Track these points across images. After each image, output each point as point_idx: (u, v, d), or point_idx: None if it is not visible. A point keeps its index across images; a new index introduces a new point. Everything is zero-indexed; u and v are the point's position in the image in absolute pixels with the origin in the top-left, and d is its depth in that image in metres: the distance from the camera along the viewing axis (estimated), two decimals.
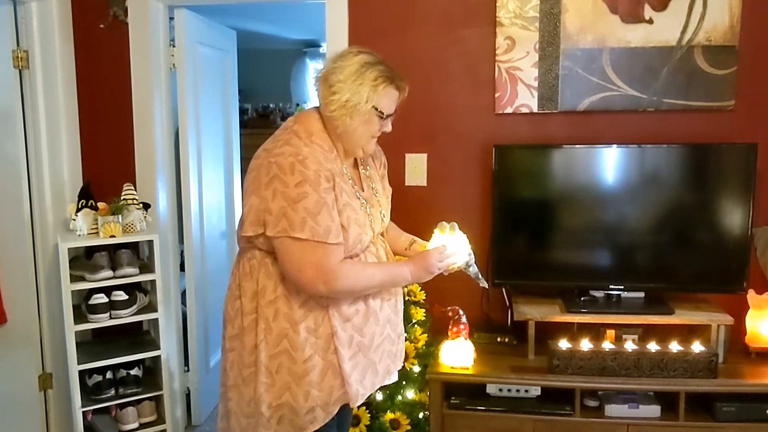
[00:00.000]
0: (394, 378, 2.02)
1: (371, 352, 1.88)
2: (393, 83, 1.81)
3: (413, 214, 2.56)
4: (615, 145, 2.63)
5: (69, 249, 2.73)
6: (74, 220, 2.83)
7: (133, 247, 2.94)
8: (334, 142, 1.85)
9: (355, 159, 1.94)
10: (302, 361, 1.81)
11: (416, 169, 2.90)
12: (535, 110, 2.80)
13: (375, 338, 1.87)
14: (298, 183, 1.71)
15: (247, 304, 1.86)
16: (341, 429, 2.08)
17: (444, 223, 2.01)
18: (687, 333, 2.66)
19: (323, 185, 1.73)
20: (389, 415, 2.60)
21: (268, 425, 1.85)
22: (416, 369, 2.64)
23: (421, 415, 2.65)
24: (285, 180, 1.71)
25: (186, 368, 3.41)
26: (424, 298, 2.68)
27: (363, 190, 1.90)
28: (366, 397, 1.90)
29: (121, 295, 2.81)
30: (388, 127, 1.86)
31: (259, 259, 1.84)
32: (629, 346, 2.52)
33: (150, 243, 2.88)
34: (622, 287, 2.71)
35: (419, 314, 2.65)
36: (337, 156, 1.84)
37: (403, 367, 2.50)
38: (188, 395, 3.40)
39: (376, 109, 1.80)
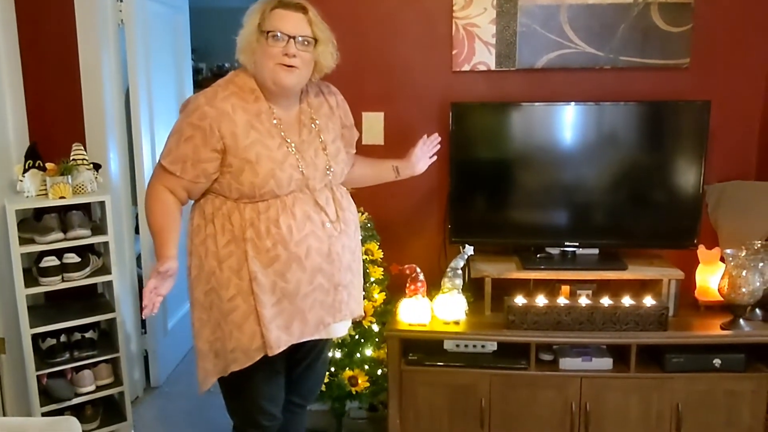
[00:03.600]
0: (339, 332, 2.03)
1: (298, 300, 1.89)
2: (279, 4, 1.84)
3: None
4: (573, 103, 2.65)
5: (17, 211, 2.66)
6: (21, 181, 2.75)
7: (85, 208, 2.89)
8: (259, 85, 1.88)
9: (300, 108, 1.95)
10: (227, 299, 1.86)
11: (373, 127, 2.89)
12: (493, 68, 2.79)
13: (302, 286, 1.88)
14: (181, 119, 1.86)
15: (189, 244, 1.94)
16: (308, 366, 2.12)
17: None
18: (639, 288, 2.71)
19: (192, 118, 1.82)
20: (348, 373, 2.62)
21: (207, 359, 1.93)
22: (375, 327, 2.65)
23: (379, 372, 2.68)
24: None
25: (143, 331, 3.39)
26: (382, 256, 2.69)
27: (299, 135, 1.90)
28: (292, 343, 1.90)
29: (73, 258, 2.77)
30: (292, 49, 1.83)
31: (199, 202, 1.94)
32: (583, 301, 2.57)
33: (102, 204, 2.83)
34: (577, 244, 2.76)
35: (377, 273, 2.66)
36: (260, 98, 1.88)
37: (361, 324, 2.58)
38: (146, 357, 3.40)
39: (265, 32, 1.82)
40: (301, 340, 1.94)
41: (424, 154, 2.25)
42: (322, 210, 1.91)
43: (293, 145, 1.89)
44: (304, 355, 2.12)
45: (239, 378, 1.93)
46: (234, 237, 1.85)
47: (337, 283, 1.95)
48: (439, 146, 2.29)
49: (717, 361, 2.50)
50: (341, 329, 2.06)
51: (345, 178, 2.08)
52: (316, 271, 1.89)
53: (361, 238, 2.55)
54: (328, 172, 1.94)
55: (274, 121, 1.88)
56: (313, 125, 1.95)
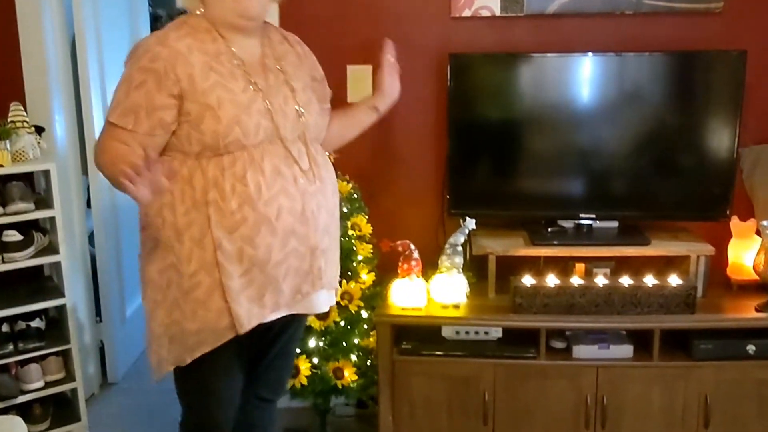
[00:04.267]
0: (319, 306, 2.06)
1: (270, 268, 1.91)
2: None
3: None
4: (590, 54, 2.69)
5: None
6: None
7: (26, 178, 2.90)
8: (217, 27, 1.92)
9: (263, 52, 1.99)
10: (188, 275, 1.89)
11: (359, 83, 2.90)
12: (498, 13, 2.82)
13: (273, 252, 1.90)
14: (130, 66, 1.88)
15: (141, 216, 1.96)
16: (280, 352, 2.16)
17: None
18: (664, 265, 2.74)
19: (143, 62, 1.84)
20: (332, 364, 2.67)
21: (161, 343, 1.96)
22: (363, 312, 2.70)
23: (368, 362, 2.73)
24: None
25: (98, 318, 3.44)
26: (371, 232, 2.73)
27: (265, 80, 1.94)
28: (268, 319, 1.94)
29: (14, 236, 2.80)
30: None
31: None
32: (600, 280, 2.62)
33: (46, 173, 2.85)
34: (594, 216, 2.80)
35: (365, 250, 2.70)
36: (218, 38, 1.91)
37: (347, 309, 2.63)
38: (102, 349, 3.45)
39: None
40: (278, 315, 1.96)
41: (394, 75, 2.24)
42: (295, 162, 1.93)
43: (258, 87, 1.92)
44: (275, 338, 2.15)
45: (195, 366, 1.96)
46: (195, 203, 1.87)
47: (313, 247, 1.96)
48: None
49: (751, 348, 2.55)
50: (322, 303, 2.08)
51: (325, 139, 2.12)
52: (288, 233, 1.91)
53: (347, 210, 2.69)
54: (300, 120, 1.97)
55: (236, 62, 1.91)
56: (279, 69, 1.99)
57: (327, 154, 2.14)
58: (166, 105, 1.84)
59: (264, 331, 2.02)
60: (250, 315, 1.91)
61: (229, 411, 2.09)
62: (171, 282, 1.92)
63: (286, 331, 2.15)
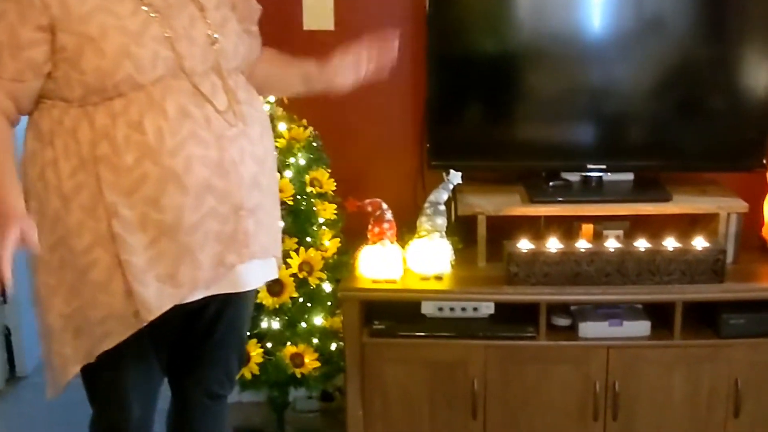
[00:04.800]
0: (252, 280, 1.99)
1: (182, 235, 1.82)
2: None
3: None
4: None
5: None
6: None
7: None
8: None
9: None
10: (81, 251, 1.79)
11: (317, 5, 2.85)
12: None
13: (185, 214, 1.81)
14: None
15: (22, 179, 1.84)
16: (222, 339, 2.10)
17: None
18: (687, 226, 2.72)
19: None
20: (290, 349, 2.61)
21: (63, 340, 1.86)
22: (326, 286, 2.65)
23: (333, 347, 2.69)
24: None
25: (2, 299, 3.37)
26: (334, 188, 2.67)
27: None
28: (186, 300, 1.88)
29: None
30: None
31: (33, 116, 1.84)
32: (611, 244, 2.58)
33: None
34: (605, 167, 2.78)
35: (327, 211, 2.65)
36: None
37: (306, 282, 2.57)
38: (8, 337, 3.39)
39: None
40: (198, 295, 1.89)
41: (358, 64, 2.10)
42: (206, 101, 1.84)
43: (154, 8, 1.79)
44: (212, 323, 2.07)
45: (101, 361, 1.88)
46: (82, 161, 1.77)
47: (237, 206, 1.88)
48: (391, 57, 2.13)
49: None
50: (254, 276, 2.01)
51: (250, 73, 2.03)
52: (203, 190, 1.81)
53: (304, 163, 2.63)
54: (213, 47, 1.86)
55: None
56: None
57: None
58: (34, 41, 1.73)
59: (192, 314, 1.97)
60: (161, 297, 1.83)
61: (145, 410, 2.04)
62: (64, 261, 1.82)
63: (223, 315, 2.07)
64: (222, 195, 1.83)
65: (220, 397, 2.22)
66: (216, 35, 1.86)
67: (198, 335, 2.07)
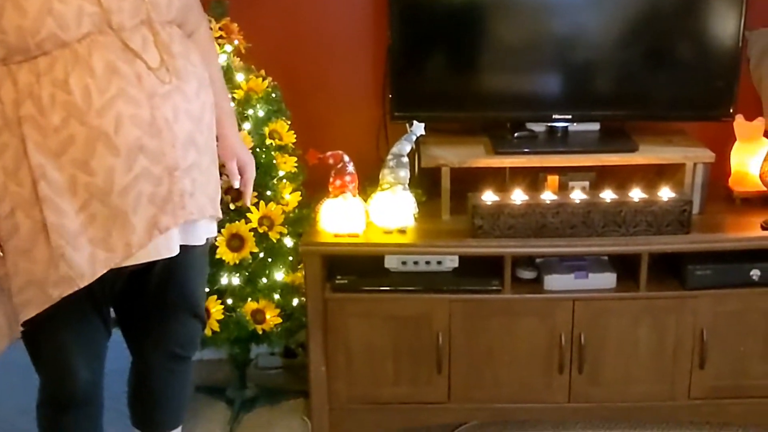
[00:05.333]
0: (197, 238, 1.94)
1: (114, 197, 1.77)
2: None
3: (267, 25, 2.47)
4: None
5: None
6: None
7: None
8: None
9: None
10: (3, 217, 1.73)
11: None
12: None
13: (116, 176, 1.75)
14: None
15: None
16: (175, 303, 2.07)
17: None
18: (654, 176, 2.72)
19: None
20: (251, 306, 2.57)
21: None
22: (287, 241, 2.60)
23: (295, 302, 2.66)
24: None
25: None
26: (294, 141, 2.61)
27: None
28: (121, 264, 1.83)
29: None
30: None
31: None
32: (577, 196, 2.55)
33: None
34: (570, 117, 2.75)
35: (287, 164, 2.60)
36: None
37: (267, 237, 2.52)
38: None
39: None
40: (131, 259, 1.82)
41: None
42: (137, 57, 1.77)
43: None
44: (160, 284, 2.03)
45: (39, 328, 1.84)
46: (5, 121, 1.70)
47: (172, 166, 1.82)
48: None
49: (755, 273, 2.53)
50: (193, 237, 1.96)
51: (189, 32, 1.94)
52: (134, 150, 1.75)
53: (263, 115, 2.57)
54: (144, 0, 1.78)
55: None
56: None
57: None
58: None
59: (137, 275, 1.92)
60: (95, 261, 1.77)
61: (92, 372, 2.00)
62: None
63: (172, 276, 2.03)
64: (155, 155, 1.77)
65: (183, 359, 2.19)
66: None
67: (149, 296, 2.03)
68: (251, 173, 2.14)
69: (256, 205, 2.49)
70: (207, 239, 2.03)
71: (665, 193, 2.55)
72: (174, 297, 2.07)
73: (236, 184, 2.12)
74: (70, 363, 1.94)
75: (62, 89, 1.67)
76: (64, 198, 1.71)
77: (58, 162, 1.69)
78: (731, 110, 2.71)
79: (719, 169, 2.74)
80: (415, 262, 2.57)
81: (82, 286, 1.76)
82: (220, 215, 2.03)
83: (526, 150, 2.67)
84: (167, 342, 2.13)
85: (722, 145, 2.75)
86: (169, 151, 1.80)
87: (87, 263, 1.75)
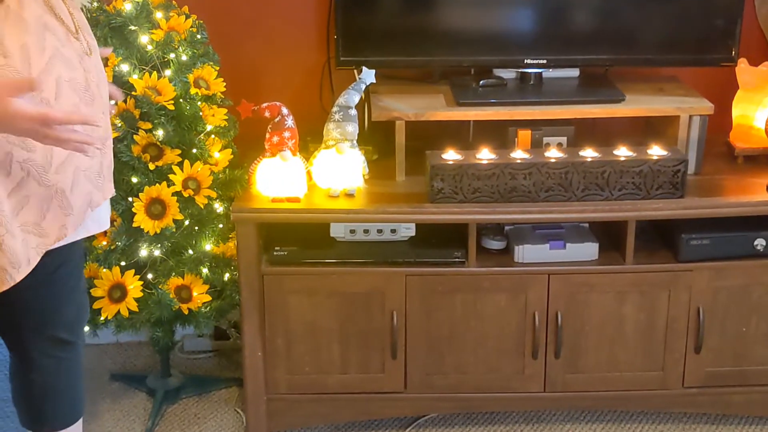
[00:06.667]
0: (106, 219, 1.86)
1: (51, 174, 1.70)
2: None
3: None
4: None
5: None
6: None
7: None
8: None
9: None
10: None
11: None
12: None
13: (54, 150, 1.68)
14: None
15: None
16: (62, 279, 1.94)
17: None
18: (642, 131, 2.65)
19: None
20: (175, 281, 2.42)
21: None
22: (217, 207, 2.44)
23: (226, 277, 2.57)
24: None
25: None
26: (224, 90, 2.43)
27: None
28: (49, 247, 1.75)
29: None
30: None
31: None
32: (553, 154, 2.43)
33: None
34: (545, 62, 2.62)
35: (217, 117, 2.45)
36: None
37: (193, 202, 2.39)
38: None
39: None
40: (61, 243, 1.77)
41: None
42: (56, 17, 1.69)
43: None
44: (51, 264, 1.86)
45: None
46: None
47: (102, 137, 1.78)
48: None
49: (760, 243, 2.42)
50: (105, 214, 1.91)
51: None
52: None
53: (186, 59, 2.36)
54: None
55: None
56: None
57: None
58: None
59: None
60: (27, 248, 1.72)
61: None
62: None
63: (70, 253, 1.92)
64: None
65: (70, 345, 2.02)
66: None
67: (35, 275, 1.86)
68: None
69: (180, 165, 2.30)
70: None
71: (656, 151, 2.43)
72: (64, 275, 1.91)
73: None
74: None
75: None
76: None
77: None
78: (733, 53, 2.59)
79: (718, 123, 2.62)
80: (365, 231, 2.45)
81: (18, 280, 1.70)
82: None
83: (493, 101, 2.55)
84: (49, 325, 1.93)
85: (722, 94, 2.65)
86: (101, 119, 1.76)
87: (22, 252, 1.70)
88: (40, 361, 1.99)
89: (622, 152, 2.42)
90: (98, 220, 1.92)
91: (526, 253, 2.43)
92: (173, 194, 2.33)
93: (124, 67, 2.29)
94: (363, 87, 2.48)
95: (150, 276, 2.47)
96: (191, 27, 2.41)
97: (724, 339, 2.46)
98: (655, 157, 2.39)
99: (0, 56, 1.62)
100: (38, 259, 1.74)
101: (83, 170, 1.77)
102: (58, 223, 1.76)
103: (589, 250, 2.45)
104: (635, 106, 2.54)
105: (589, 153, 2.42)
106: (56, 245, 1.80)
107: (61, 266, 1.93)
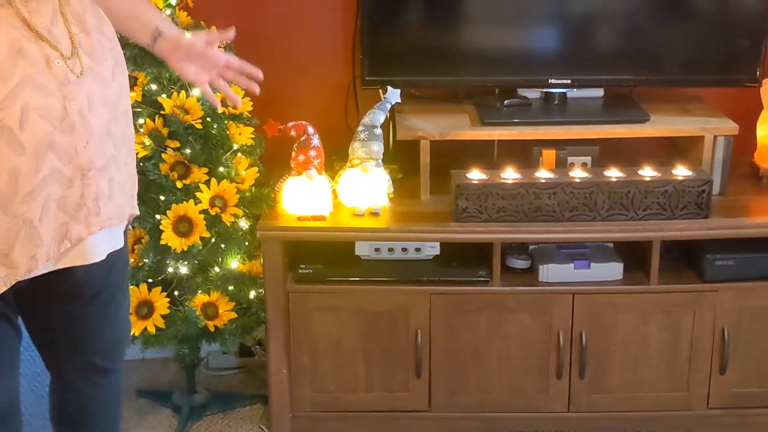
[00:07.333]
0: (103, 250, 1.77)
1: (18, 203, 1.63)
2: None
3: None
4: None
5: None
6: None
7: None
8: None
9: None
10: None
11: None
12: None
13: (21, 178, 1.61)
14: None
15: None
16: (100, 310, 1.89)
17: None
18: (667, 151, 2.64)
19: None
20: (201, 298, 2.40)
21: None
22: (243, 224, 2.43)
23: (252, 294, 2.54)
24: None
25: None
26: (251, 109, 2.42)
27: None
28: (20, 278, 1.70)
29: None
30: None
31: None
32: (577, 174, 2.43)
33: None
34: (570, 82, 2.62)
35: (243, 136, 2.46)
36: None
37: (219, 220, 2.36)
38: None
39: None
40: (35, 273, 1.70)
41: (208, 63, 1.91)
42: (41, 38, 1.62)
43: None
44: (77, 289, 1.82)
45: None
46: None
47: (86, 166, 1.68)
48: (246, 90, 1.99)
49: None
50: (105, 244, 1.80)
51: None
52: (43, 148, 1.59)
53: None
54: None
55: None
56: None
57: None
58: None
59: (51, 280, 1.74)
60: None
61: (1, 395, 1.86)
62: None
63: (95, 278, 1.84)
64: (67, 153, 1.64)
65: (107, 372, 2.00)
66: None
67: (62, 298, 1.83)
68: (233, 58, 1.97)
69: (207, 183, 2.29)
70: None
71: (680, 171, 2.42)
72: (106, 298, 1.89)
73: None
74: None
75: None
76: None
77: None
78: (757, 74, 2.58)
79: (743, 143, 2.60)
80: (390, 250, 2.45)
81: None
82: (137, 211, 1.91)
83: (517, 120, 2.55)
84: (86, 351, 1.91)
85: (746, 114, 2.62)
86: (83, 148, 1.66)
87: None
88: (76, 384, 1.98)
89: (647, 172, 2.41)
90: (86, 253, 1.79)
91: (551, 272, 2.42)
92: (200, 212, 2.32)
93: (154, 87, 2.27)
94: (388, 106, 2.48)
95: (177, 293, 2.47)
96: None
97: (749, 360, 2.43)
98: (679, 178, 2.38)
99: (18, 156, 1.59)
100: (5, 289, 1.69)
101: (55, 199, 1.70)
102: (27, 255, 1.70)
103: (614, 270, 2.43)
104: (660, 126, 2.53)
105: (613, 173, 2.41)
106: (36, 274, 1.74)
107: (98, 293, 1.89)
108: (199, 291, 2.46)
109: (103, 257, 1.81)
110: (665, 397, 2.47)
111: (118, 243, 1.84)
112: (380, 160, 2.47)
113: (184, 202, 2.31)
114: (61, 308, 1.86)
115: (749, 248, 2.40)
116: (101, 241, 1.78)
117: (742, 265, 2.39)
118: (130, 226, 1.93)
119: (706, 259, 2.38)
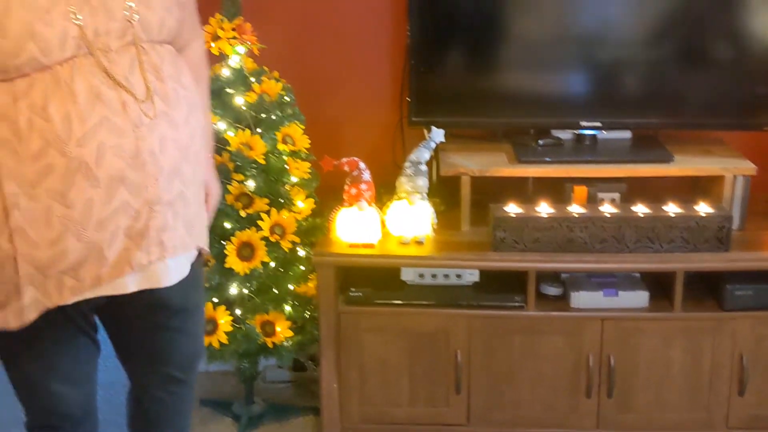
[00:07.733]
0: (168, 276, 1.83)
1: (90, 231, 1.67)
2: None
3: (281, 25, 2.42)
4: None
5: None
6: None
7: None
8: None
9: None
10: None
11: None
12: None
13: (94, 208, 1.66)
14: None
15: None
16: (179, 327, 1.95)
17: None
18: (690, 189, 2.65)
19: None
20: (260, 317, 2.48)
21: None
22: (299, 251, 2.51)
23: (307, 314, 2.57)
24: None
25: None
26: (308, 146, 2.51)
27: None
28: (84, 295, 1.74)
29: None
30: None
31: None
32: (607, 209, 2.46)
33: None
34: (600, 124, 2.66)
35: (301, 170, 2.49)
36: None
37: (278, 246, 2.44)
38: None
39: None
40: (95, 295, 1.74)
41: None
42: (119, 85, 1.65)
43: None
44: (158, 308, 1.91)
45: (12, 354, 1.77)
46: None
47: (152, 200, 1.72)
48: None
49: None
50: (172, 271, 1.83)
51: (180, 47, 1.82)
52: (116, 182, 1.65)
53: (276, 118, 2.45)
54: (130, 22, 1.66)
55: None
56: None
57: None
58: None
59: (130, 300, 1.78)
60: (62, 288, 1.70)
61: (79, 397, 1.90)
62: None
63: (172, 300, 1.91)
64: (136, 188, 1.68)
65: (182, 382, 2.06)
66: (136, 5, 1.66)
67: (147, 318, 1.91)
68: (214, 202, 2.04)
69: (268, 213, 2.38)
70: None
71: (702, 208, 2.45)
72: (184, 316, 1.95)
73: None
74: (58, 390, 1.85)
75: (41, 116, 1.57)
76: (38, 230, 1.62)
77: (34, 192, 1.59)
78: None
79: (761, 182, 2.62)
80: (433, 276, 2.51)
81: (23, 321, 1.67)
82: (207, 248, 1.91)
83: (551, 159, 2.59)
84: (162, 363, 1.98)
85: (764, 155, 2.65)
86: (152, 184, 1.70)
87: (55, 289, 1.68)
88: (153, 393, 2.02)
89: (671, 209, 2.45)
90: (154, 278, 1.82)
91: (582, 299, 2.46)
92: (261, 239, 2.39)
93: (221, 125, 2.37)
94: (432, 145, 2.52)
95: (238, 312, 2.52)
96: (281, 90, 2.49)
97: (766, 383, 2.45)
98: (702, 214, 2.42)
99: (42, 119, 1.61)
100: (73, 299, 1.73)
101: (124, 228, 1.72)
102: (94, 273, 1.73)
103: (640, 298, 2.46)
104: (683, 166, 2.55)
105: (640, 209, 2.45)
106: (104, 293, 1.77)
107: (177, 312, 1.93)
108: (259, 310, 2.53)
109: (173, 283, 1.84)
110: (687, 417, 2.49)
111: (184, 271, 1.86)
112: (425, 194, 2.52)
113: (247, 230, 2.38)
114: (143, 324, 1.92)
115: (766, 280, 2.42)
116: (172, 269, 1.82)
117: (759, 295, 2.41)
118: (202, 258, 1.95)
119: (726, 289, 2.41)
